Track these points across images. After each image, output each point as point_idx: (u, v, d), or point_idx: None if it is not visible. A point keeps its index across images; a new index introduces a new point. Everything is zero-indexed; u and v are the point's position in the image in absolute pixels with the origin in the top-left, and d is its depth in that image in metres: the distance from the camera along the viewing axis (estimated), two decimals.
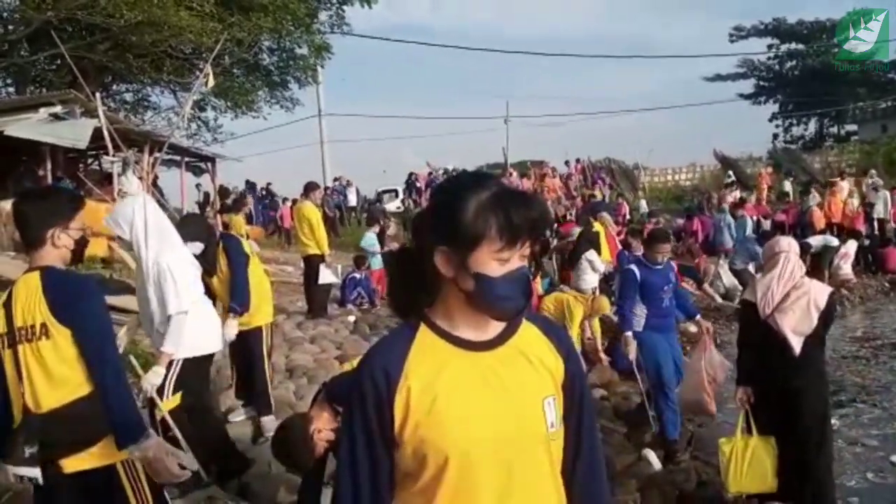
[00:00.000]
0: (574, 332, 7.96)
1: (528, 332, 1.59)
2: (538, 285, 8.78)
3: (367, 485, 1.51)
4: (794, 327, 4.21)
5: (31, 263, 2.70)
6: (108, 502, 2.72)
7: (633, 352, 5.92)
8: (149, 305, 4.27)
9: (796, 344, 4.19)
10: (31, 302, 2.62)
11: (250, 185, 23.94)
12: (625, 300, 5.97)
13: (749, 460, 4.39)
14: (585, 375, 1.69)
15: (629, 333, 5.88)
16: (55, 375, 2.62)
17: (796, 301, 4.23)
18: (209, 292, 5.07)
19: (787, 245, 4.49)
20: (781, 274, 4.32)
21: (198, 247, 4.99)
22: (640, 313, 5.90)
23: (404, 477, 1.52)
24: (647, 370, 6.14)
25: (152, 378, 4.20)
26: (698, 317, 6.43)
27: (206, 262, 5.08)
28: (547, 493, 1.56)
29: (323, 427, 3.21)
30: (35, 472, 2.60)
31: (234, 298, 5.20)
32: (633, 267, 6.01)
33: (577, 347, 8.25)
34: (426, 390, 1.47)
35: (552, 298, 8.34)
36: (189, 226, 5.16)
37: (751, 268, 12.03)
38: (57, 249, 2.69)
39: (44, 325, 2.61)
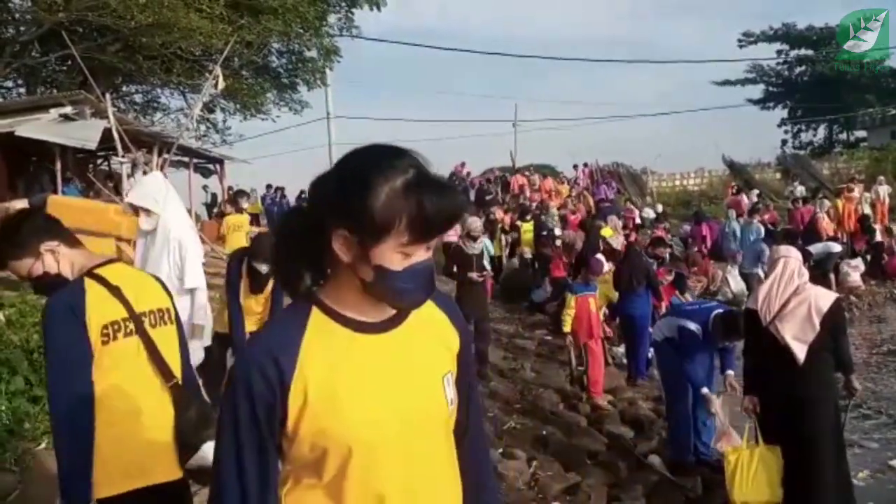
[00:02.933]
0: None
1: (425, 309, 1.49)
2: None
3: (256, 488, 1.38)
4: (796, 334, 4.13)
5: (91, 260, 2.59)
6: None
7: (714, 406, 5.24)
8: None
9: (799, 352, 4.12)
10: (146, 288, 2.64)
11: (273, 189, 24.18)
12: (686, 361, 5.46)
13: (755, 470, 4.34)
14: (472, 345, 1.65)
15: (706, 391, 5.33)
16: (174, 361, 2.64)
17: (797, 307, 4.16)
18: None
19: (786, 251, 4.46)
20: (780, 279, 4.25)
21: (265, 267, 5.07)
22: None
23: (298, 471, 1.42)
24: (663, 382, 6.09)
25: (198, 353, 4.34)
26: (729, 372, 5.58)
27: (262, 283, 5.17)
28: (450, 476, 1.53)
29: None
30: None
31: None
32: (692, 327, 5.43)
33: None
34: (325, 379, 1.36)
35: None
36: (263, 246, 5.24)
37: (759, 272, 12.01)
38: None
39: (169, 311, 2.68)
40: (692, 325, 5.46)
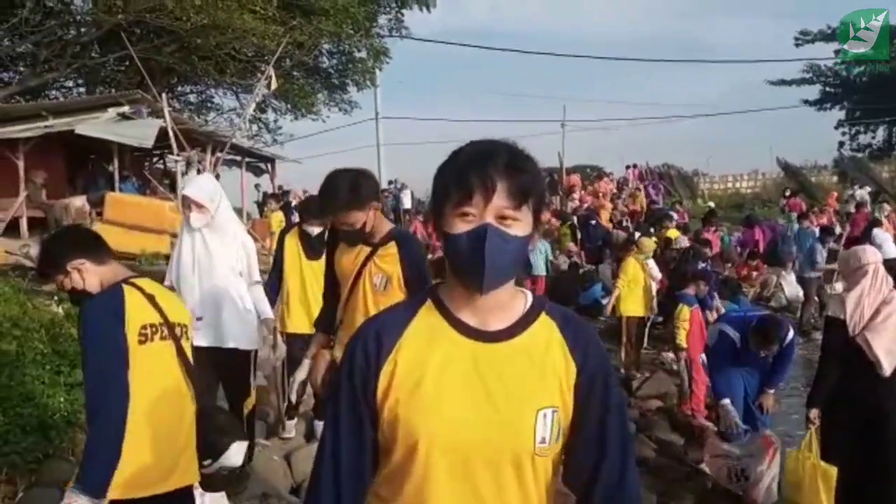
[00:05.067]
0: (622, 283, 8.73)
1: (543, 331, 1.43)
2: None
3: (350, 467, 1.42)
4: (888, 347, 3.89)
5: (121, 273, 2.71)
6: None
7: (732, 420, 5.08)
8: (213, 279, 4.26)
9: (888, 365, 3.89)
10: (175, 302, 2.79)
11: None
12: (716, 367, 5.35)
13: (808, 480, 4.23)
14: (613, 374, 1.50)
15: (726, 401, 5.14)
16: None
17: (888, 317, 3.93)
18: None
19: (874, 256, 4.17)
20: (871, 288, 4.01)
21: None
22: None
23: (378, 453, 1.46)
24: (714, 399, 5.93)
25: (282, 346, 4.47)
26: (769, 391, 5.35)
27: None
28: None
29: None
30: None
31: None
32: (731, 333, 5.20)
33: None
34: (415, 368, 1.38)
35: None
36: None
37: (813, 275, 11.75)
38: None
39: (188, 328, 2.80)
40: (730, 331, 5.23)
